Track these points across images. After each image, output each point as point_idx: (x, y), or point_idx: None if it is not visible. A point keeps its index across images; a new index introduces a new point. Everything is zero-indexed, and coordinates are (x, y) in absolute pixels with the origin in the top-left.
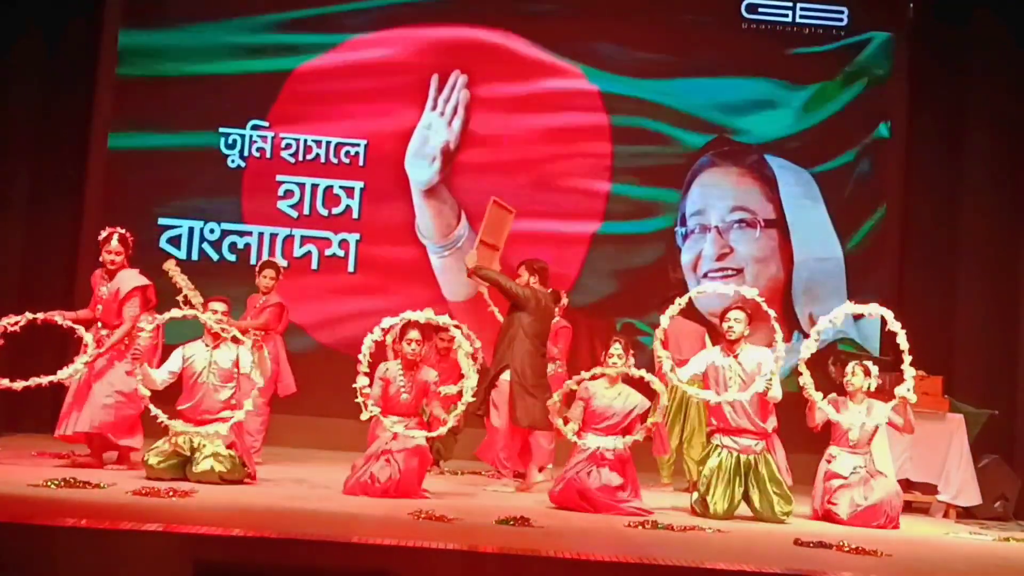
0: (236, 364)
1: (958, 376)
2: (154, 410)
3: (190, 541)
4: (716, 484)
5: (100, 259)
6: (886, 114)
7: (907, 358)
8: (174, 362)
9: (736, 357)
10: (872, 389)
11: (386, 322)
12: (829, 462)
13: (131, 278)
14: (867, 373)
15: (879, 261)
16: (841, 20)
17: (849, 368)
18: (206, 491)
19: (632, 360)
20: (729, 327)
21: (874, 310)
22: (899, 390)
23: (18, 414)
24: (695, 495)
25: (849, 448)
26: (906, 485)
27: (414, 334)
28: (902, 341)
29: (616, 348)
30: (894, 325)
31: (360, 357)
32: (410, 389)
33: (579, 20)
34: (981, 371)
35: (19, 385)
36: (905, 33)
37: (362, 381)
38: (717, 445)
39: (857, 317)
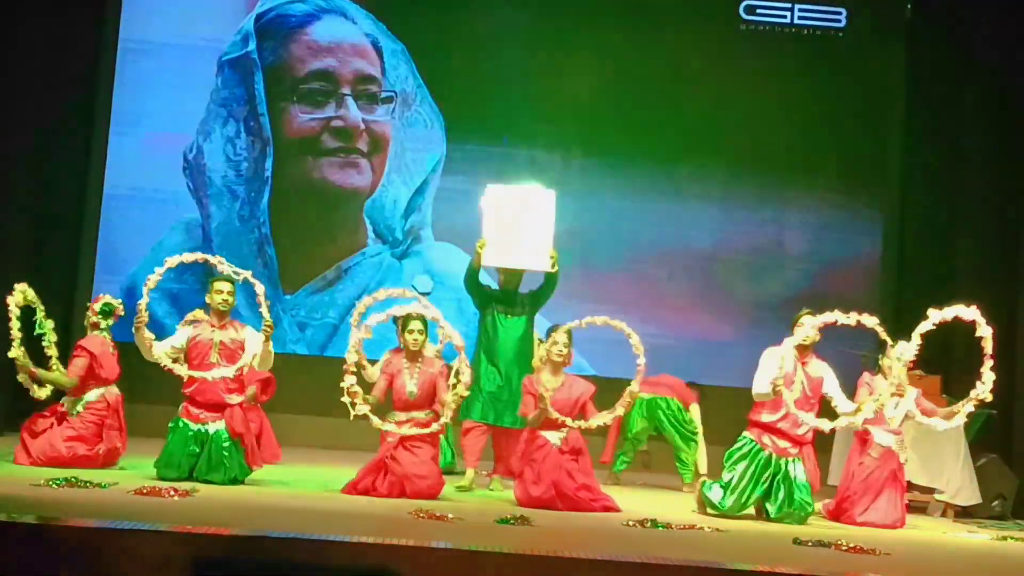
0: (242, 347)
1: (956, 375)
2: (166, 362)
3: (190, 539)
4: (741, 480)
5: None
6: (884, 114)
7: (988, 362)
8: (178, 338)
9: (805, 366)
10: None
11: (372, 320)
12: (865, 442)
13: (86, 342)
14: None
15: (880, 262)
16: (839, 21)
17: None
18: (207, 490)
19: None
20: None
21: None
22: (976, 391)
23: (20, 413)
24: (708, 485)
25: (884, 427)
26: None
27: (416, 324)
28: (987, 345)
29: (561, 338)
30: (985, 330)
31: (347, 356)
32: (417, 381)
33: (573, 25)
34: (979, 371)
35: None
36: (903, 34)
37: (349, 380)
38: (753, 440)
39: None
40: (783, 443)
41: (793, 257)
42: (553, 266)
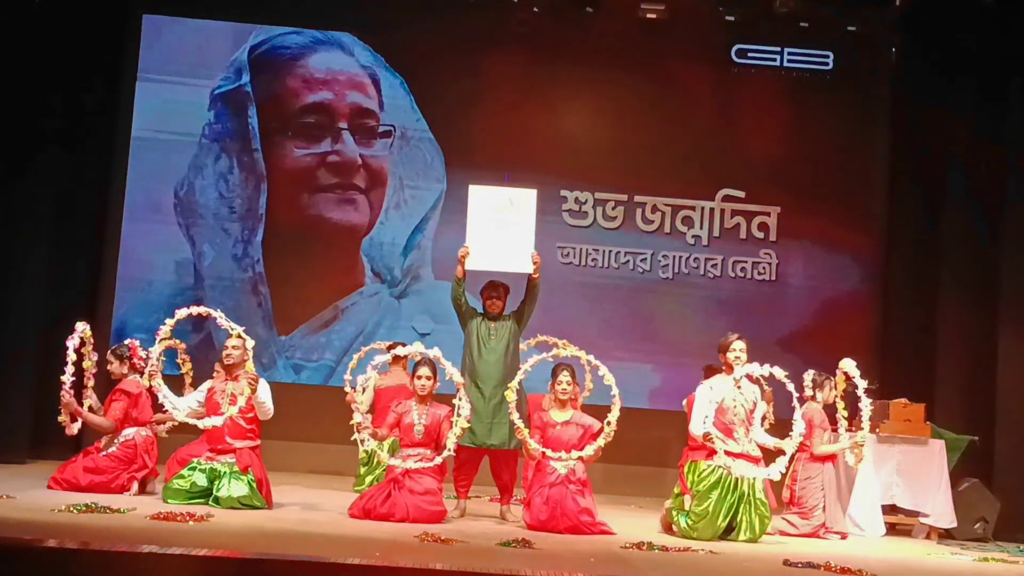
0: (249, 397)
1: (940, 404)
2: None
3: (205, 563)
4: (718, 507)
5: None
6: (868, 157)
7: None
8: (201, 392)
9: (739, 388)
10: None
11: (378, 360)
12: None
13: (124, 384)
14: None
15: (866, 294)
16: (827, 64)
17: (828, 385)
18: (221, 515)
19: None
20: (736, 357)
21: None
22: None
23: (43, 441)
24: (677, 512)
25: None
26: (890, 507)
27: (424, 371)
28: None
29: (565, 376)
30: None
31: (357, 396)
32: (424, 422)
33: (572, 66)
34: (962, 399)
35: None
36: (888, 77)
37: (358, 418)
38: (719, 466)
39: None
40: (744, 464)
41: (790, 291)
42: (536, 271)
